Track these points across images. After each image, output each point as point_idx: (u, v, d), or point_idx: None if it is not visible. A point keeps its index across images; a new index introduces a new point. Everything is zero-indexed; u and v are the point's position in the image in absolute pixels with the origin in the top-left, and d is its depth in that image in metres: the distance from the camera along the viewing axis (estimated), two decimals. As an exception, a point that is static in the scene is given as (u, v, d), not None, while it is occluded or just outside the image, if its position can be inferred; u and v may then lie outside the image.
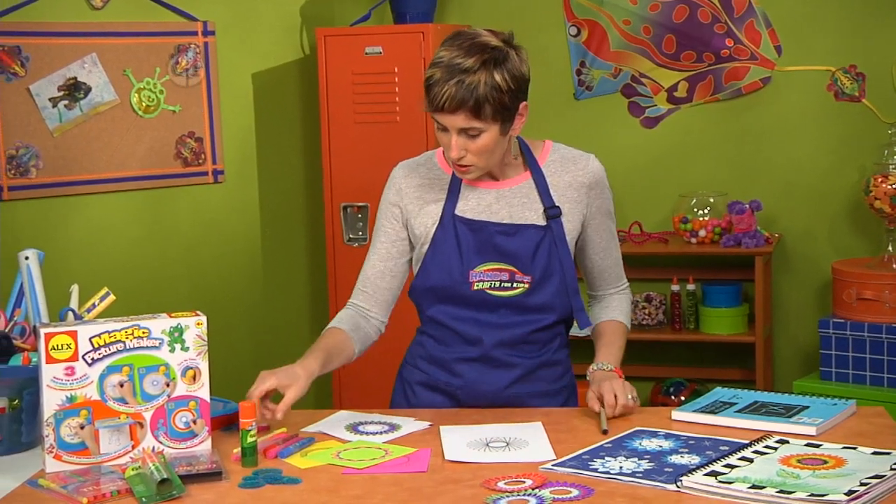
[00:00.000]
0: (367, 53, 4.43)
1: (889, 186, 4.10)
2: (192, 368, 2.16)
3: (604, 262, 2.51)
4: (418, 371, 2.49)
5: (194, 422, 2.17)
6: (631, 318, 2.59)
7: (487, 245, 2.38)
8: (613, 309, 2.54)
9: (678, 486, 1.92)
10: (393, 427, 2.32)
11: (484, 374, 2.40)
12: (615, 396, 2.30)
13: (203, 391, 2.17)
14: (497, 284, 2.38)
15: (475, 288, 2.38)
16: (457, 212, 2.41)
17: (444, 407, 2.45)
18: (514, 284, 2.39)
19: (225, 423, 2.33)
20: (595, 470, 2.01)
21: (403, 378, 2.55)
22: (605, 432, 2.23)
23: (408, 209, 2.45)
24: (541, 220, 2.40)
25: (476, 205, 2.41)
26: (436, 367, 2.46)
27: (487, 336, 2.39)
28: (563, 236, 2.40)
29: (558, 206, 2.41)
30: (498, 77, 2.23)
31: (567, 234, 2.41)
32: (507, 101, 2.25)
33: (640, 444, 2.16)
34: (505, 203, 2.41)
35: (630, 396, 2.32)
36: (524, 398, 2.43)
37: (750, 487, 1.87)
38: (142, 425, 2.13)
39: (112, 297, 2.51)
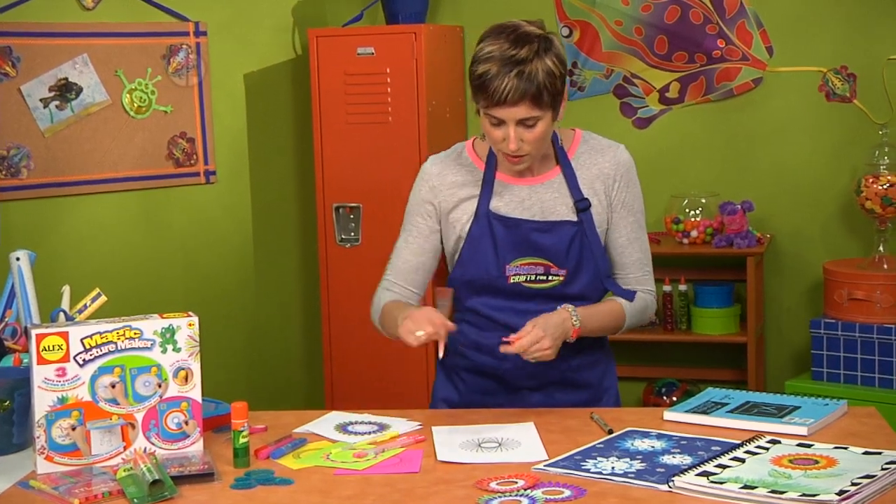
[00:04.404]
0: (359, 54, 4.43)
1: (880, 187, 4.11)
2: (183, 369, 2.16)
3: (621, 258, 2.51)
4: (462, 358, 2.51)
5: (186, 423, 2.16)
6: (637, 321, 2.52)
7: (523, 241, 2.42)
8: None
9: (670, 487, 1.92)
10: (383, 427, 2.32)
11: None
12: (530, 339, 2.26)
13: (195, 392, 2.17)
14: (532, 278, 2.43)
15: (511, 281, 2.43)
16: (491, 208, 2.44)
17: (494, 389, 2.49)
18: (549, 277, 2.43)
19: (217, 424, 2.33)
20: (587, 470, 2.01)
21: (447, 367, 2.57)
22: (610, 432, 2.23)
23: (442, 206, 2.49)
24: (572, 215, 2.44)
25: (509, 201, 2.45)
26: (480, 352, 2.48)
27: (525, 324, 2.38)
28: (593, 228, 2.44)
29: (587, 199, 2.45)
30: (550, 63, 2.29)
31: (597, 226, 2.45)
32: (559, 86, 2.31)
33: (632, 444, 2.16)
34: (537, 199, 2.45)
35: (541, 344, 2.26)
36: (572, 371, 2.48)
37: (742, 487, 1.87)
38: (133, 426, 2.13)
39: (103, 298, 2.51)
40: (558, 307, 2.38)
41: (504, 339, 2.29)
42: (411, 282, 2.52)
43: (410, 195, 2.54)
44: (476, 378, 2.52)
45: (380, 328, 2.54)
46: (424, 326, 2.27)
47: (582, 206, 2.44)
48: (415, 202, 2.52)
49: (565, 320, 2.34)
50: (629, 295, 2.49)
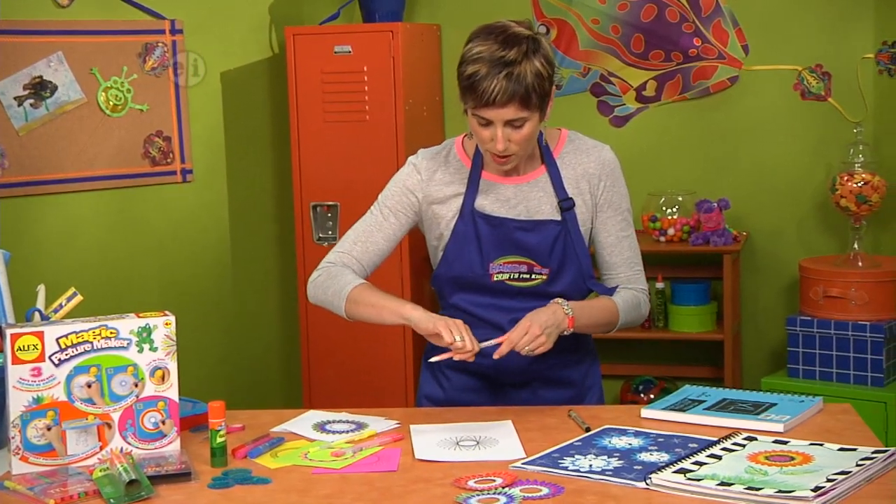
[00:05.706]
0: (336, 52, 4.42)
1: (855, 185, 4.13)
2: (160, 368, 2.15)
3: (611, 258, 2.52)
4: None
5: (163, 422, 2.16)
6: (631, 318, 2.50)
7: (506, 240, 2.43)
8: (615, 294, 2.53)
9: (647, 484, 1.92)
10: (360, 426, 2.32)
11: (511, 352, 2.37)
12: (518, 331, 2.27)
13: (172, 391, 2.16)
14: (516, 276, 2.44)
15: (495, 279, 2.44)
16: (476, 206, 2.45)
17: (478, 387, 2.50)
18: (533, 276, 2.44)
19: (194, 424, 2.32)
20: (565, 468, 2.02)
21: (432, 364, 2.56)
22: (587, 429, 2.23)
23: (426, 200, 2.49)
24: (556, 214, 2.45)
25: (494, 200, 2.46)
26: None
27: (508, 321, 2.39)
28: (577, 228, 2.45)
29: (571, 198, 2.45)
30: (538, 64, 2.29)
31: (581, 226, 2.46)
32: (546, 87, 2.31)
33: (610, 441, 2.17)
34: (522, 197, 2.46)
35: (543, 334, 2.27)
36: (556, 369, 2.49)
37: (718, 484, 1.88)
38: (110, 426, 2.12)
39: (79, 298, 2.49)
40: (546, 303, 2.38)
41: (496, 342, 2.29)
42: (372, 266, 2.52)
43: (394, 179, 2.53)
44: (460, 376, 2.52)
45: (332, 297, 2.45)
46: (465, 335, 2.26)
47: (566, 205, 2.45)
48: (399, 189, 2.51)
49: (556, 311, 2.34)
50: (611, 292, 2.50)
